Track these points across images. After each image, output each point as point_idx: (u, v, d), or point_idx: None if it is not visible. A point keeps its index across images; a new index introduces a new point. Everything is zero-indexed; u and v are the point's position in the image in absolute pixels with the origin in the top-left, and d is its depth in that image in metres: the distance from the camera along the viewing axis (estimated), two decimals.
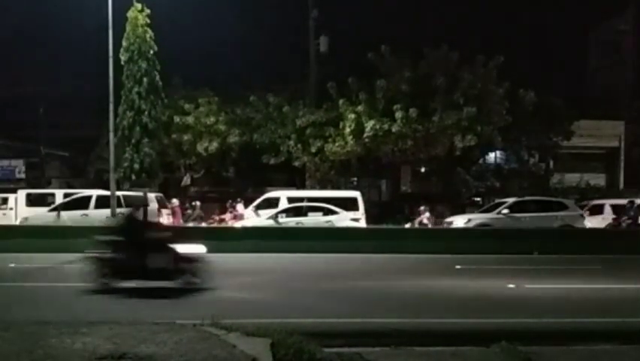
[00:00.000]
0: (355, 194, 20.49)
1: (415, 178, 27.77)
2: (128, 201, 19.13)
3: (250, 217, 19.86)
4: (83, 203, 19.48)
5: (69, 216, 18.78)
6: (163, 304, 8.72)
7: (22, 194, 21.85)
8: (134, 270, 9.46)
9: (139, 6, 19.31)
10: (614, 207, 21.31)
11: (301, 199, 19.79)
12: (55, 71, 31.48)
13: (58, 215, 18.87)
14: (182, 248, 9.82)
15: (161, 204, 20.22)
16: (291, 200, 19.85)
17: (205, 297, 9.21)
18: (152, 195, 19.74)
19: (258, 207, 20.17)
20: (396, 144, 23.30)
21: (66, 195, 20.89)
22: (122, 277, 9.58)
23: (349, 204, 19.47)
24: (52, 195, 21.98)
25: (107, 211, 18.43)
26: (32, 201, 21.61)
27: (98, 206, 19.12)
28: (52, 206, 19.94)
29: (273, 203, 20.04)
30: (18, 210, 21.23)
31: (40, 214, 19.34)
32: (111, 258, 9.58)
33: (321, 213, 18.51)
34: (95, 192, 20.24)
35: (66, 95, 29.52)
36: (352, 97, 23.74)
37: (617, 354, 6.10)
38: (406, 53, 24.37)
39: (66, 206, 19.34)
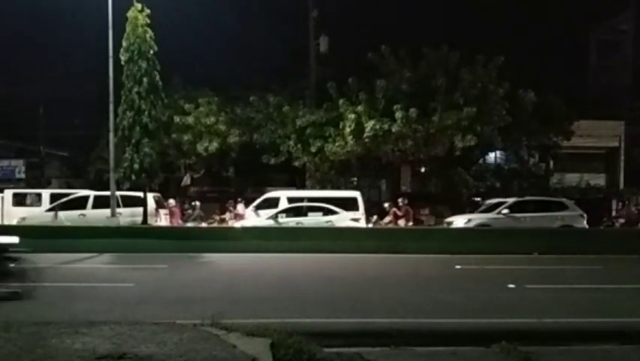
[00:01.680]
0: (355, 194, 20.49)
1: (415, 178, 27.76)
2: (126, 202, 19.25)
3: (250, 217, 19.86)
4: (80, 203, 19.48)
5: (66, 217, 18.77)
6: None
7: (8, 194, 21.76)
8: None
9: (139, 6, 19.30)
10: (289, 199, 21.07)
11: (301, 199, 19.80)
12: (55, 71, 31.45)
13: (56, 215, 18.86)
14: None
15: (159, 205, 20.20)
16: (291, 200, 19.86)
17: None
18: (149, 195, 19.79)
19: (258, 207, 20.18)
20: (396, 144, 23.31)
21: (53, 196, 20.89)
22: None
23: (349, 204, 19.47)
24: (39, 195, 21.87)
25: (104, 211, 18.44)
26: (20, 201, 21.54)
27: (95, 206, 19.12)
28: (50, 206, 19.94)
29: (272, 203, 20.05)
30: (5, 209, 21.16)
31: (38, 214, 19.32)
32: None
33: (321, 213, 18.51)
34: (92, 193, 20.26)
35: (66, 95, 29.50)
36: (352, 97, 23.74)
37: (617, 354, 6.10)
38: (406, 53, 24.38)
39: (63, 206, 19.34)
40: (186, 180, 27.52)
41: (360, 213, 19.48)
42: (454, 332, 7.08)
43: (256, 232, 17.26)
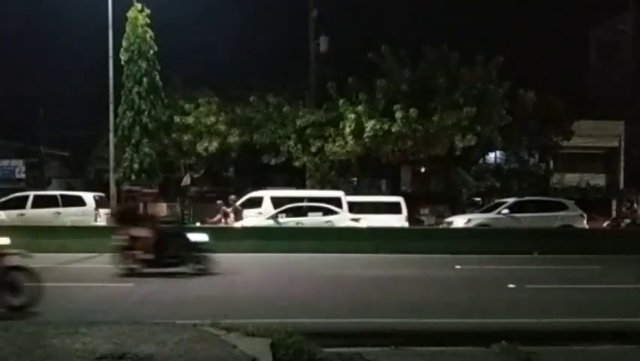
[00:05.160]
0: (339, 193, 20.54)
1: (415, 178, 27.78)
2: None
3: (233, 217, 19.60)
4: (19, 203, 19.34)
5: (7, 216, 18.65)
6: None
7: None
8: None
9: (139, 6, 19.36)
10: (273, 199, 20.45)
11: (285, 199, 19.73)
12: (55, 71, 31.47)
13: None
14: None
15: (100, 204, 19.87)
16: (274, 200, 19.83)
17: None
18: (89, 195, 19.64)
19: (242, 207, 20.01)
20: (396, 144, 23.32)
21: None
22: None
23: (333, 204, 19.48)
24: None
25: (44, 211, 18.35)
26: None
27: (35, 206, 19.00)
28: None
29: (256, 202, 19.98)
30: None
31: None
32: None
33: (320, 213, 18.50)
34: (31, 193, 20.14)
35: (66, 95, 29.50)
36: (352, 97, 23.76)
37: (617, 354, 6.10)
38: (406, 53, 24.40)
39: (3, 206, 19.19)
40: (186, 180, 27.53)
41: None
42: (454, 332, 7.08)
43: (256, 231, 17.25)
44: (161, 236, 11.37)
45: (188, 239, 11.60)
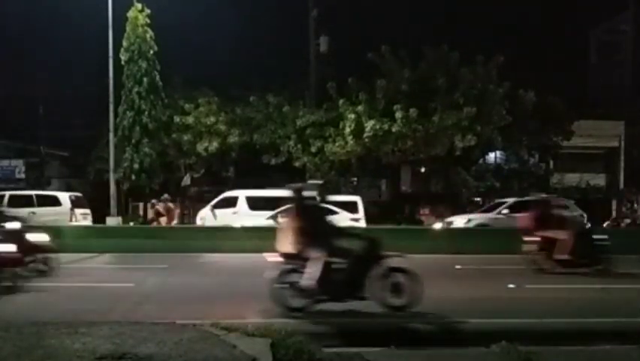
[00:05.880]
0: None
1: (415, 178, 27.79)
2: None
3: (208, 217, 19.56)
4: None
5: None
6: None
7: None
8: None
9: (139, 6, 19.39)
10: (248, 199, 20.55)
11: (260, 199, 19.69)
12: (55, 71, 31.43)
13: None
14: None
15: (76, 204, 19.83)
16: (250, 200, 19.79)
17: None
18: (65, 194, 19.45)
19: (216, 207, 19.94)
20: (396, 144, 23.32)
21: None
22: None
23: None
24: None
25: (19, 211, 18.28)
26: None
27: (10, 205, 18.90)
28: None
29: (230, 202, 19.94)
30: None
31: None
32: None
33: None
34: (7, 193, 20.12)
35: (66, 95, 29.51)
36: (352, 97, 23.76)
37: (617, 354, 6.10)
38: (406, 53, 24.40)
39: None
40: (186, 180, 27.53)
41: None
42: (454, 331, 7.08)
43: (256, 231, 17.24)
44: (577, 238, 11.86)
45: (594, 239, 12.09)
